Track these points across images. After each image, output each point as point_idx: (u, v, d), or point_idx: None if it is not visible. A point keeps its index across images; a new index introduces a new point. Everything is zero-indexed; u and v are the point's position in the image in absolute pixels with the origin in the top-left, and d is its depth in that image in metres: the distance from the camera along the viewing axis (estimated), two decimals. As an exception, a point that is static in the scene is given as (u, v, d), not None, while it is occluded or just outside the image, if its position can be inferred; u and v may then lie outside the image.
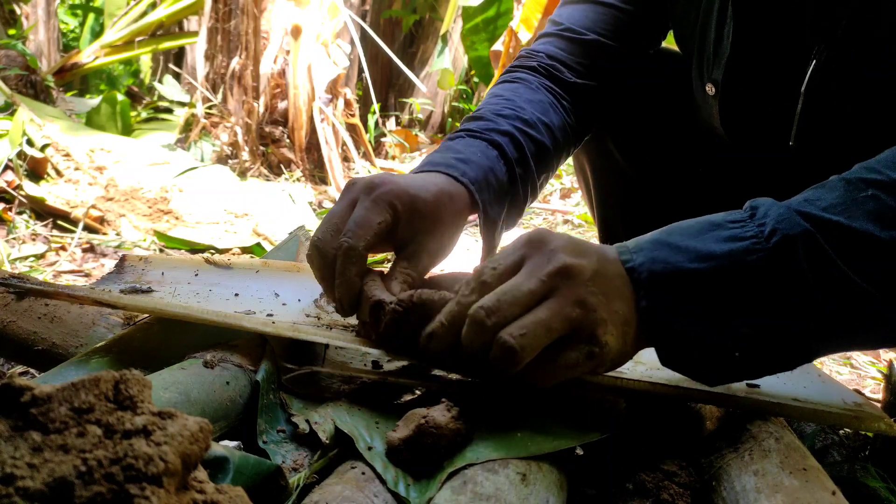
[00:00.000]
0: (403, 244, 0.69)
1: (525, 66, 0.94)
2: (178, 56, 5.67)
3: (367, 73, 3.51)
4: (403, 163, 3.65)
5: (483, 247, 0.82)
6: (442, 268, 1.94)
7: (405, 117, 4.39)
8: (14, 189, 2.04)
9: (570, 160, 1.12)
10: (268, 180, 2.87)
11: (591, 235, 2.54)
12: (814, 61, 0.74)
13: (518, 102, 0.86)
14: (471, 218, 0.87)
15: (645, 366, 0.67)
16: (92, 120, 2.89)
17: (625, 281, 0.53)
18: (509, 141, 0.81)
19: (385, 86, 4.47)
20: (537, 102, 0.88)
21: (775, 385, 0.65)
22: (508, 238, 0.72)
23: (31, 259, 1.72)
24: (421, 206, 0.67)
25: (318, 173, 3.04)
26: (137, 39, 3.95)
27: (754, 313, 0.53)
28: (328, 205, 2.70)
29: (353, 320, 0.72)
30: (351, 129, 3.21)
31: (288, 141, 3.03)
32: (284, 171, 2.99)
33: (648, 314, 0.53)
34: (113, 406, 0.35)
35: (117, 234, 2.03)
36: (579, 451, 0.59)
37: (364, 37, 3.72)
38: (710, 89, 0.85)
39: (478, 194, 0.74)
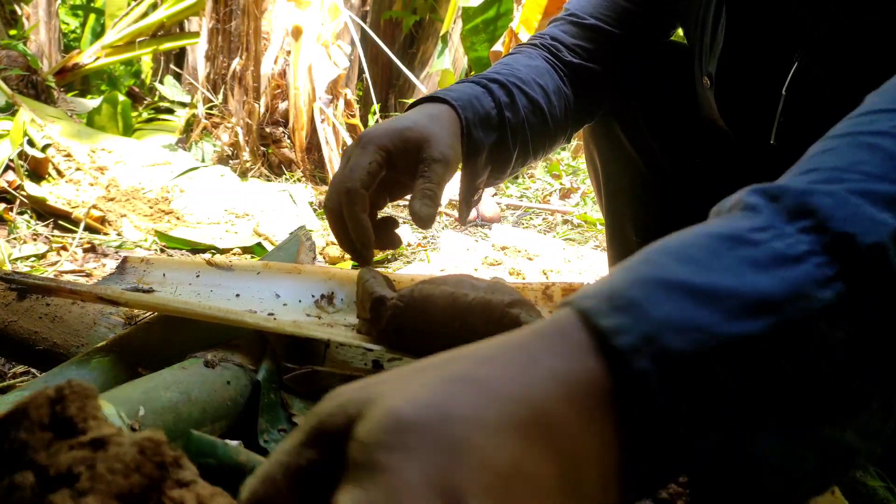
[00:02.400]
0: (414, 173, 0.73)
1: (528, 44, 0.98)
2: (179, 57, 5.67)
3: (367, 74, 3.51)
4: (404, 163, 3.65)
5: (462, 178, 0.83)
6: (443, 268, 1.95)
7: (406, 118, 4.39)
8: (15, 189, 2.04)
9: (568, 160, 1.12)
10: (268, 180, 2.87)
11: (591, 235, 2.54)
12: (796, 62, 0.75)
13: (514, 66, 0.89)
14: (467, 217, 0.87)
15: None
16: (93, 120, 2.90)
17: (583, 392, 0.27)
18: (499, 87, 0.83)
19: (385, 86, 4.47)
20: (534, 67, 0.90)
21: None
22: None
23: (32, 259, 1.72)
24: (409, 134, 0.72)
25: (318, 173, 3.04)
26: (138, 40, 3.96)
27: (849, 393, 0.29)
28: (329, 205, 2.70)
29: (354, 320, 0.72)
30: (351, 129, 3.21)
31: (289, 141, 3.03)
32: (285, 171, 3.00)
33: (664, 433, 0.27)
34: (49, 435, 0.29)
35: (118, 235, 2.03)
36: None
37: (364, 37, 3.72)
38: (705, 82, 0.87)
39: (461, 111, 0.77)
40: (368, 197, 0.70)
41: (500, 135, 0.82)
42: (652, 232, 1.11)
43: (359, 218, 0.69)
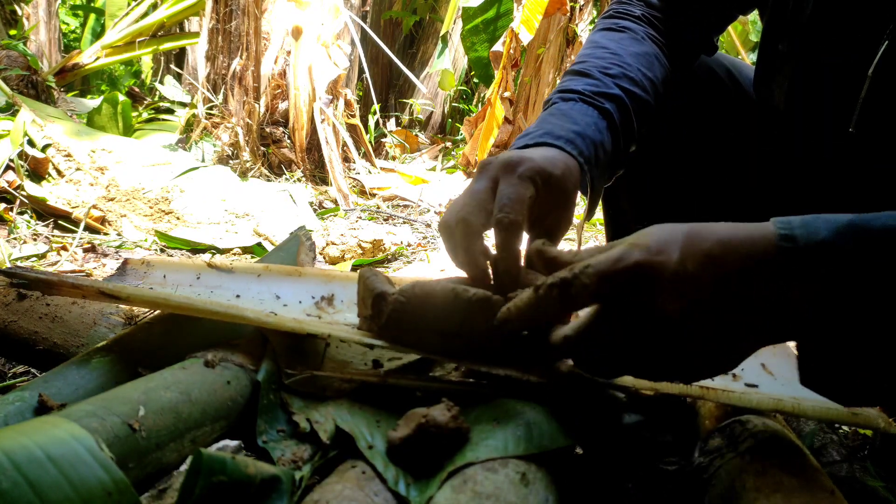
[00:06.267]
0: (534, 220, 0.70)
1: (629, 15, 0.95)
2: (179, 57, 5.68)
3: (367, 74, 3.52)
4: (404, 163, 3.65)
5: (586, 210, 0.85)
6: (443, 268, 1.94)
7: (405, 118, 4.39)
8: (15, 189, 2.04)
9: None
10: (269, 180, 2.87)
11: (591, 235, 2.54)
12: (886, 42, 0.70)
13: (625, 58, 0.87)
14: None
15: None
16: (93, 120, 2.90)
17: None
18: (616, 108, 0.82)
19: (385, 86, 4.47)
20: (643, 56, 0.89)
21: (774, 384, 0.65)
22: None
23: (33, 259, 1.72)
24: (554, 182, 0.68)
25: (318, 173, 3.04)
26: (138, 40, 3.96)
27: None
28: (329, 205, 2.70)
29: (354, 320, 0.72)
30: (351, 129, 3.21)
31: (289, 141, 3.04)
32: (285, 171, 3.00)
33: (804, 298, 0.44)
34: None
35: (118, 235, 2.03)
36: (579, 451, 0.59)
37: (364, 38, 3.72)
38: (783, 48, 0.83)
39: (588, 171, 0.75)
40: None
41: (614, 164, 0.83)
42: (646, 214, 1.12)
43: (516, 253, 0.64)
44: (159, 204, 2.22)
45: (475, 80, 4.32)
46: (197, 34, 3.61)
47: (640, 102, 0.84)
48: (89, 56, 3.96)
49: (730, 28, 3.77)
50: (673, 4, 0.94)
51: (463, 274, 0.65)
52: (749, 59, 3.72)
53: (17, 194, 2.03)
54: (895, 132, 0.75)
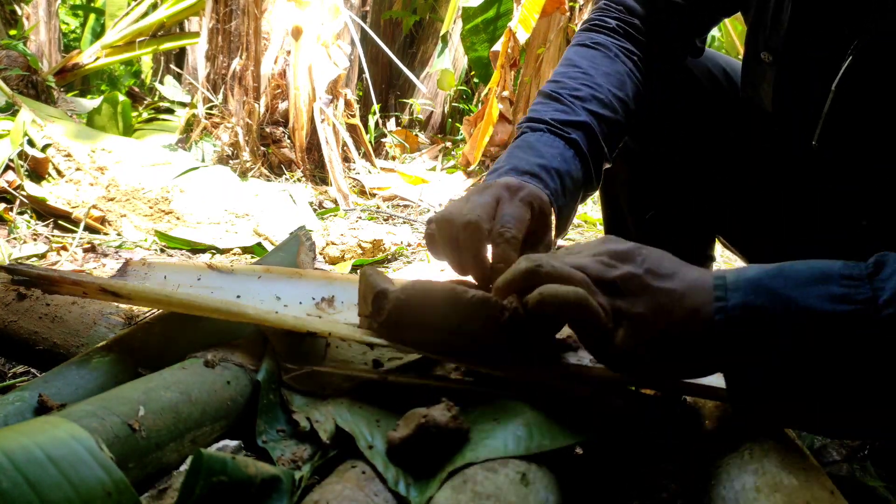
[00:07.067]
0: (525, 242, 0.73)
1: (604, 27, 0.95)
2: (179, 57, 5.68)
3: (367, 74, 3.52)
4: (404, 163, 3.65)
5: (554, 231, 0.86)
6: (443, 268, 1.94)
7: (405, 118, 4.40)
8: (15, 189, 2.04)
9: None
10: (268, 180, 2.87)
11: (591, 235, 2.54)
12: (850, 58, 0.71)
13: (595, 79, 0.88)
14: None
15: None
16: (93, 120, 2.90)
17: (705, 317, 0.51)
18: (584, 136, 0.84)
19: (385, 86, 4.47)
20: (614, 75, 0.90)
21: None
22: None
23: (33, 259, 1.72)
24: (545, 208, 0.74)
25: (318, 173, 3.04)
26: (138, 40, 3.96)
27: (844, 381, 0.48)
28: (329, 205, 2.70)
29: (354, 320, 0.72)
30: (351, 129, 3.21)
31: (288, 141, 3.03)
32: (285, 171, 3.00)
33: (724, 348, 0.51)
34: None
35: (118, 235, 2.03)
36: (579, 451, 0.59)
37: (364, 37, 3.72)
38: (765, 57, 0.84)
39: (555, 202, 0.78)
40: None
41: (585, 189, 0.85)
42: (643, 210, 1.12)
43: (510, 261, 0.66)
44: (159, 204, 2.22)
45: (475, 79, 4.32)
46: (197, 34, 3.61)
47: (609, 124, 0.86)
48: (89, 56, 3.96)
49: (730, 27, 3.77)
50: (655, 4, 0.95)
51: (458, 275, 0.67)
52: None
53: (17, 194, 2.03)
54: (857, 146, 0.77)
